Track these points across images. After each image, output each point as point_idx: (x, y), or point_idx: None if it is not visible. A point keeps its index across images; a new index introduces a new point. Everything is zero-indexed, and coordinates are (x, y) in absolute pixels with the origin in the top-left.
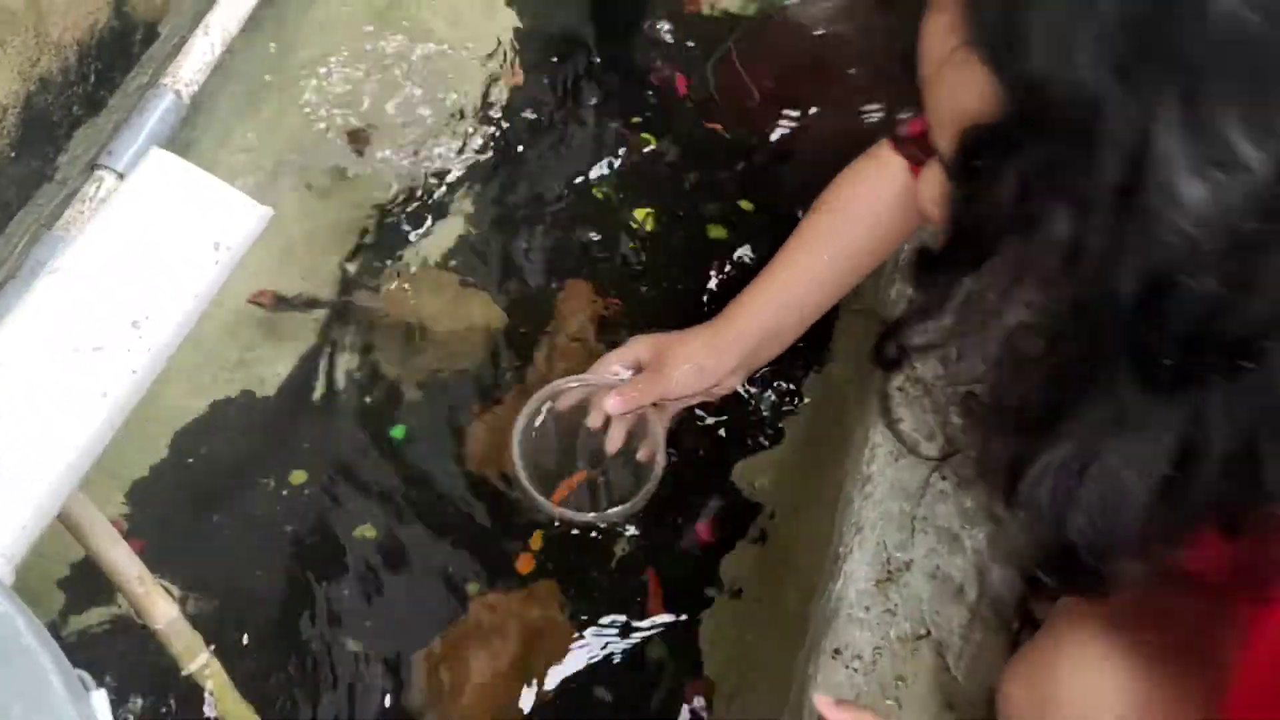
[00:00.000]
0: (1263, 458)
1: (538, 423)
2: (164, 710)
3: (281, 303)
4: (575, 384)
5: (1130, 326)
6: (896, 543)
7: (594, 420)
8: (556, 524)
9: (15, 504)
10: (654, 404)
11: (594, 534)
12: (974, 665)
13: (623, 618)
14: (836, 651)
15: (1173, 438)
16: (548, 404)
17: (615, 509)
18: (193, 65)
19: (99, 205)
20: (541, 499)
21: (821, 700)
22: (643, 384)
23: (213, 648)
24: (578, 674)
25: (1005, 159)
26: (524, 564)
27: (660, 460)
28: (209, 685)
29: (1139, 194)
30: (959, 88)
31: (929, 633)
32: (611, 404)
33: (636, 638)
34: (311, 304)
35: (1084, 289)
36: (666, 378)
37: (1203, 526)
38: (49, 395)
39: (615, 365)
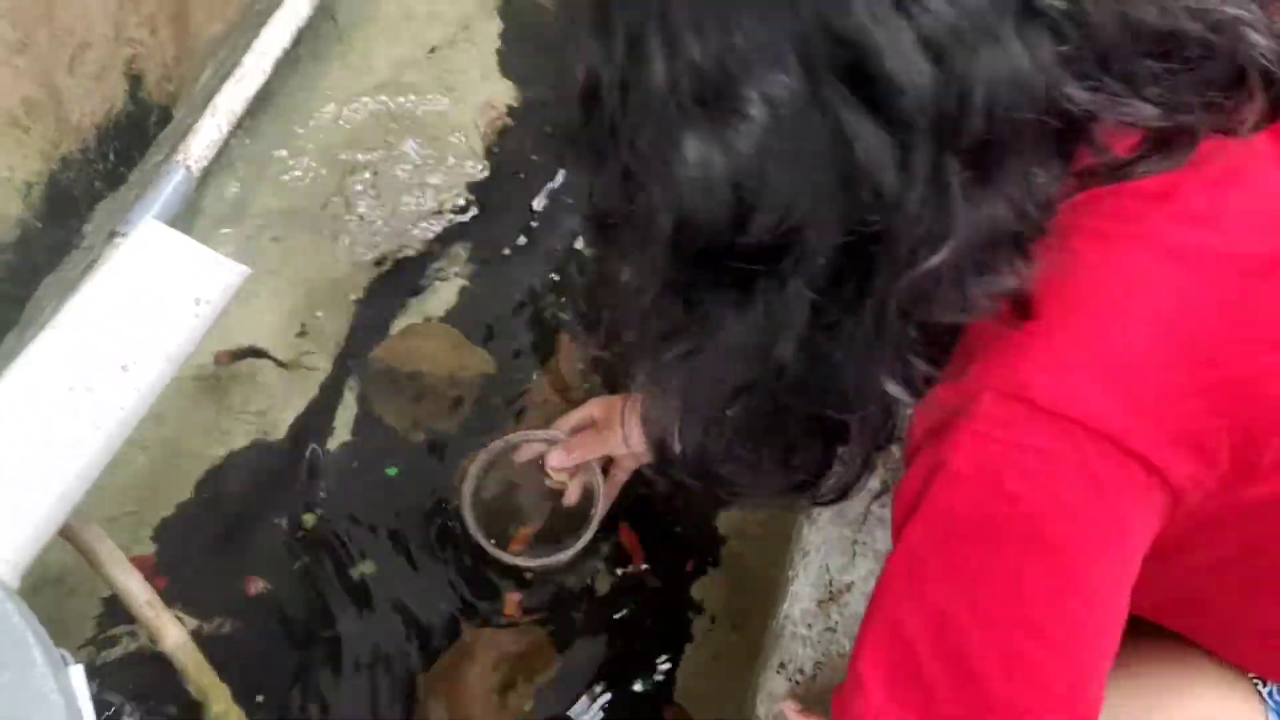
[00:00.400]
0: (822, 366)
1: (494, 470)
2: None
3: (234, 358)
4: (533, 437)
5: (671, 256)
6: (839, 566)
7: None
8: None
9: (20, 519)
10: (609, 460)
11: (578, 570)
12: None
13: (606, 648)
14: (781, 665)
15: (743, 350)
16: (502, 453)
17: (551, 558)
18: (201, 143)
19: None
20: (485, 542)
21: (788, 707)
22: (588, 441)
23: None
24: (563, 701)
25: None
26: (510, 601)
27: (597, 514)
28: (214, 706)
29: (655, 150)
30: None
31: None
32: (553, 458)
33: (619, 667)
34: (258, 353)
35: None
36: (612, 435)
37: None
38: (49, 428)
39: (571, 423)
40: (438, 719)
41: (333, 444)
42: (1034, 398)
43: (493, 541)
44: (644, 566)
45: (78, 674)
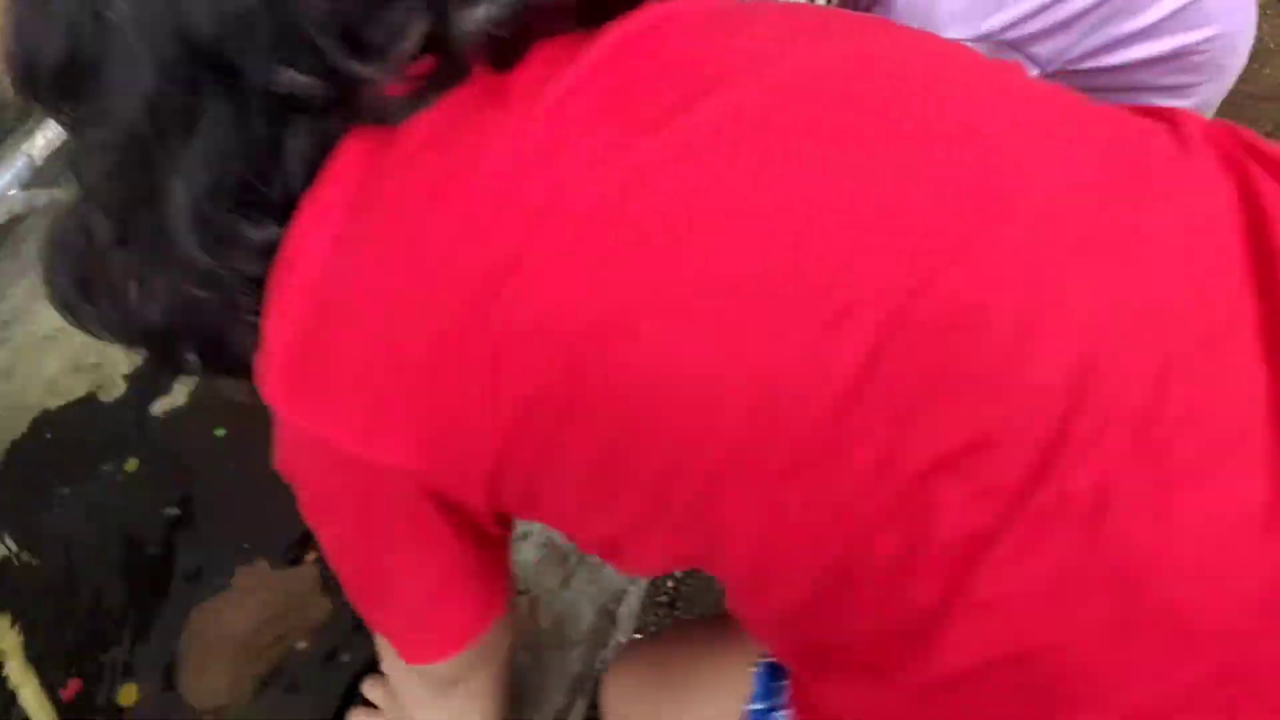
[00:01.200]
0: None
1: None
2: None
3: None
4: None
5: None
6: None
7: None
8: None
9: None
10: None
11: None
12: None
13: None
14: None
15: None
16: None
17: None
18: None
19: None
20: None
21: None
22: None
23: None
24: (328, 639)
25: None
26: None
27: None
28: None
29: None
30: None
31: (527, 590)
32: None
33: None
34: None
35: None
36: None
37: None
38: None
39: None
40: (200, 656)
41: (167, 404)
42: (266, 390)
43: None
44: None
45: None
